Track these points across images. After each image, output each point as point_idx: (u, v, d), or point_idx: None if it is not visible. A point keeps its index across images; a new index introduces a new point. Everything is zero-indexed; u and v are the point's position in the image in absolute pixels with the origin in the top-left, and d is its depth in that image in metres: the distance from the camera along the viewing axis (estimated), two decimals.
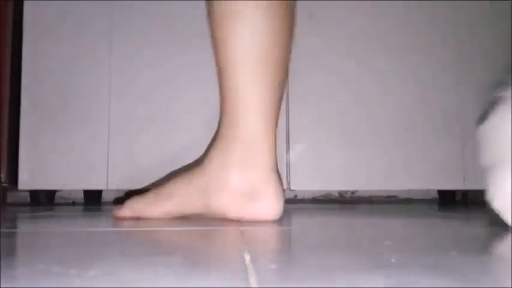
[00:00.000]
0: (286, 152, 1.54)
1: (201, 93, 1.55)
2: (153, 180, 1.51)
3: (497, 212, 0.73)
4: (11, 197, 1.72)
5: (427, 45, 1.60)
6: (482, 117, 0.78)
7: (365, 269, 0.45)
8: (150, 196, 0.95)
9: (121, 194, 1.74)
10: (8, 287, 0.38)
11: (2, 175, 1.53)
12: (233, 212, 0.88)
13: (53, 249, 0.60)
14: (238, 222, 0.88)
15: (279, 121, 1.58)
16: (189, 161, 1.54)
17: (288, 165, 1.54)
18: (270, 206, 0.87)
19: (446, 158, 1.57)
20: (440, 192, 1.77)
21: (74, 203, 1.69)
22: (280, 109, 0.98)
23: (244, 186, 0.87)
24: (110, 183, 1.51)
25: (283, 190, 0.91)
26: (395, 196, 1.87)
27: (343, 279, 0.40)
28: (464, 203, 1.71)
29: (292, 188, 1.54)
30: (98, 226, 0.88)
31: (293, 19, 0.96)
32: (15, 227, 0.91)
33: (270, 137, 0.91)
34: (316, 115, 1.56)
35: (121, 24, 1.56)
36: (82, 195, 1.76)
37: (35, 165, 1.49)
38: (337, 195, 1.86)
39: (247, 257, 0.51)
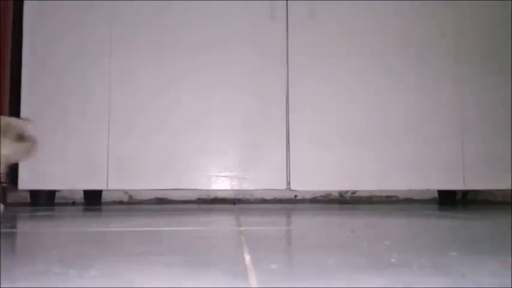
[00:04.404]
0: (286, 152, 1.54)
1: (200, 95, 1.55)
2: (152, 180, 1.51)
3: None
4: (11, 197, 1.72)
5: (427, 46, 1.61)
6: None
7: (365, 269, 0.45)
8: None
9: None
10: (8, 287, 0.38)
11: (2, 175, 1.53)
12: None
13: (53, 249, 0.60)
14: (238, 222, 0.88)
15: (279, 122, 1.59)
16: (187, 161, 1.54)
17: (288, 165, 1.54)
18: None
19: (446, 158, 1.57)
20: (440, 192, 1.77)
21: (74, 203, 1.69)
22: None
23: None
24: (110, 183, 1.51)
25: None
26: (396, 196, 1.87)
27: (343, 279, 0.40)
28: (464, 203, 1.71)
29: (292, 188, 1.54)
30: (98, 226, 0.88)
31: None
32: (15, 227, 0.91)
33: None
34: (316, 116, 1.56)
35: (121, 24, 1.56)
36: (82, 195, 1.76)
37: (35, 165, 1.49)
38: (337, 195, 1.86)
39: (247, 257, 0.51)
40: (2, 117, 1.37)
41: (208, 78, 1.56)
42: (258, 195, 1.83)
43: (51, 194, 1.59)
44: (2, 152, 1.30)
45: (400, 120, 1.57)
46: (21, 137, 1.32)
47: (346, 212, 1.24)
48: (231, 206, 1.55)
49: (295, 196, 1.84)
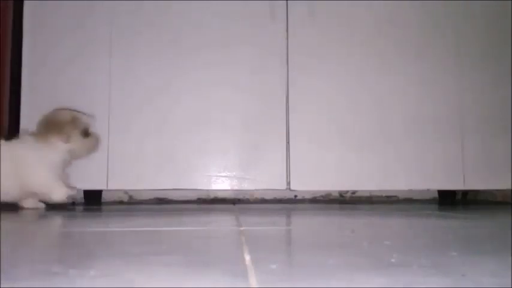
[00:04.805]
0: (286, 152, 1.54)
1: (200, 95, 1.55)
2: (152, 180, 1.51)
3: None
4: None
5: (427, 46, 1.60)
6: None
7: (365, 269, 0.45)
8: None
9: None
10: (8, 287, 0.38)
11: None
12: None
13: (53, 248, 0.60)
14: (238, 222, 0.88)
15: (279, 122, 1.59)
16: (187, 161, 1.54)
17: (288, 165, 1.54)
18: None
19: (446, 158, 1.57)
20: (440, 192, 1.77)
21: (74, 203, 1.69)
22: None
23: None
24: (110, 183, 1.51)
25: None
26: (396, 196, 1.87)
27: (343, 279, 0.40)
28: (464, 203, 1.71)
29: (292, 188, 1.54)
30: (98, 226, 0.88)
31: None
32: (15, 226, 0.91)
33: None
34: (316, 116, 1.56)
35: (121, 24, 1.56)
36: (82, 195, 1.75)
37: None
38: (337, 195, 1.86)
39: (247, 257, 0.51)
40: (69, 110, 1.36)
41: (208, 78, 1.56)
42: (258, 195, 1.83)
43: None
44: (71, 147, 1.30)
45: (400, 120, 1.57)
46: (86, 133, 1.33)
47: (346, 212, 1.24)
48: (231, 206, 1.55)
49: (295, 196, 1.84)
